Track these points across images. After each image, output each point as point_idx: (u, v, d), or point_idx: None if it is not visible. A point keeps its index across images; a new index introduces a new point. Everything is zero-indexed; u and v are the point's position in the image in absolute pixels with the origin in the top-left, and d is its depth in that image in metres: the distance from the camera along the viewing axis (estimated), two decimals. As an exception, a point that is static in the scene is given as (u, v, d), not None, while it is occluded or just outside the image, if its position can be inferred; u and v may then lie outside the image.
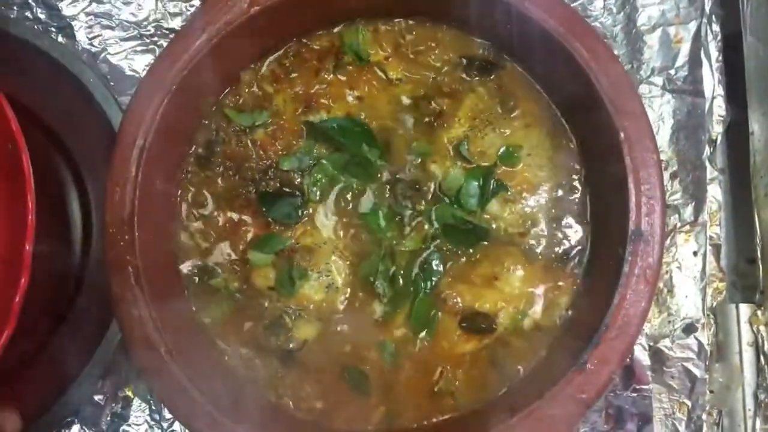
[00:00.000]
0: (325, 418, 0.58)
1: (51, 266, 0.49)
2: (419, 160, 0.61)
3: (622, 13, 0.72)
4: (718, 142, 0.70)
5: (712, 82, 0.70)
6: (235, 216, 0.61)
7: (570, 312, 0.59)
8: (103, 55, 0.71)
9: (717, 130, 0.70)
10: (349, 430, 0.58)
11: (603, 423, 0.64)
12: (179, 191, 0.62)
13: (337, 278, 0.59)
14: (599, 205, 0.60)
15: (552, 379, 0.53)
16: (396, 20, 0.64)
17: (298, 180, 0.61)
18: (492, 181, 0.60)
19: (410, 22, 0.64)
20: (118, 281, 0.54)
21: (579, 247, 0.60)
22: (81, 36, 0.72)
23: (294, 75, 0.63)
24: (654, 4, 0.72)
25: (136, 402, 0.66)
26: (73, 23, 0.71)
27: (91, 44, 0.72)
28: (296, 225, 0.60)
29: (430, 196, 0.60)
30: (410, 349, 0.59)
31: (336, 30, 0.64)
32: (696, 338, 0.65)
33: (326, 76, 0.63)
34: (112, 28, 0.72)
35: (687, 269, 0.67)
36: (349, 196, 0.61)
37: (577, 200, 0.61)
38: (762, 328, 0.64)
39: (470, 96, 0.62)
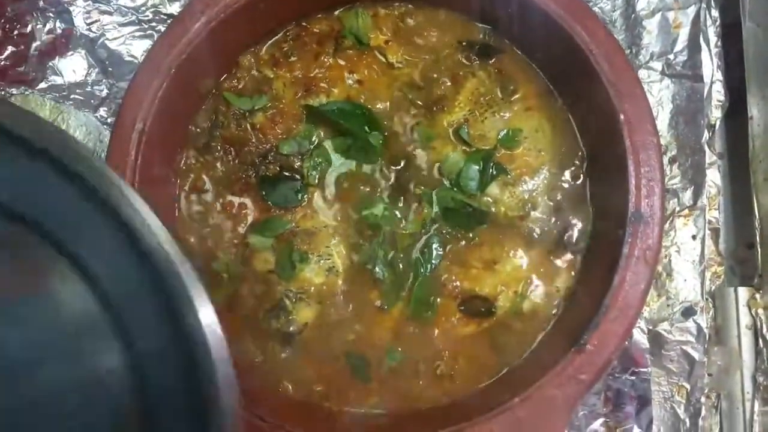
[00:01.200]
0: (324, 400, 0.59)
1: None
2: (419, 143, 0.61)
3: (621, -2, 0.72)
4: (717, 126, 0.70)
5: (711, 67, 0.70)
6: (234, 200, 0.61)
7: (570, 294, 0.59)
8: (101, 40, 0.71)
9: (716, 114, 0.70)
10: (350, 411, 0.58)
11: (602, 405, 0.64)
12: (178, 176, 0.62)
13: (337, 262, 0.60)
14: (599, 188, 0.60)
15: (552, 361, 0.54)
16: (396, 4, 0.64)
17: (298, 164, 0.61)
18: (492, 165, 0.60)
19: (410, 6, 0.64)
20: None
21: (578, 230, 0.60)
22: (79, 21, 0.71)
23: (293, 59, 0.63)
24: (653, -11, 0.72)
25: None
26: (71, 8, 0.71)
27: (90, 29, 0.71)
28: (296, 209, 0.60)
29: (430, 180, 0.60)
30: (410, 333, 0.59)
31: (336, 13, 0.63)
32: (695, 321, 0.65)
33: (326, 59, 0.63)
34: (110, 13, 0.71)
35: (686, 253, 0.67)
36: (349, 180, 0.61)
37: (576, 183, 0.61)
38: (760, 311, 0.64)
39: (471, 80, 0.62)
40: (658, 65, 0.70)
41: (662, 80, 0.70)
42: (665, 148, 0.69)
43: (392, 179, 0.60)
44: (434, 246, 0.59)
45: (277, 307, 0.58)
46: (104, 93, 0.70)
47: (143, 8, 0.72)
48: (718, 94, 0.70)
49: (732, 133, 0.72)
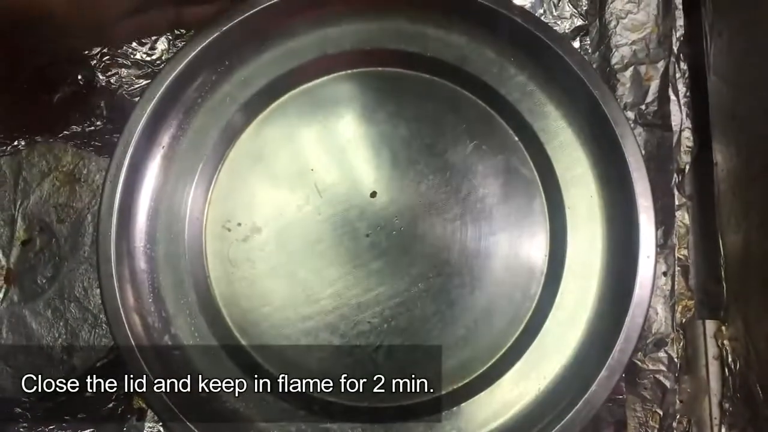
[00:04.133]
0: None
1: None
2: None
3: (597, 53, 0.79)
4: (686, 171, 0.75)
5: (679, 116, 0.76)
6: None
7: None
8: (119, 91, 0.77)
9: (685, 160, 0.75)
10: None
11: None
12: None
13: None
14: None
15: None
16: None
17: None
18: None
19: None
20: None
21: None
22: (99, 73, 0.78)
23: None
24: (626, 45, 0.78)
25: (151, 413, 0.70)
26: (92, 62, 0.78)
27: (109, 81, 0.78)
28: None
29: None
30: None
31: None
32: (666, 352, 0.70)
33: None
34: (128, 66, 0.78)
35: (658, 289, 0.72)
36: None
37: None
38: (726, 342, 0.69)
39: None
40: (630, 115, 0.76)
41: (635, 129, 0.76)
42: (638, 191, 0.74)
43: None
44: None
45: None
46: (122, 140, 0.76)
47: (158, 62, 0.78)
48: (687, 140, 0.76)
49: (700, 176, 0.78)
